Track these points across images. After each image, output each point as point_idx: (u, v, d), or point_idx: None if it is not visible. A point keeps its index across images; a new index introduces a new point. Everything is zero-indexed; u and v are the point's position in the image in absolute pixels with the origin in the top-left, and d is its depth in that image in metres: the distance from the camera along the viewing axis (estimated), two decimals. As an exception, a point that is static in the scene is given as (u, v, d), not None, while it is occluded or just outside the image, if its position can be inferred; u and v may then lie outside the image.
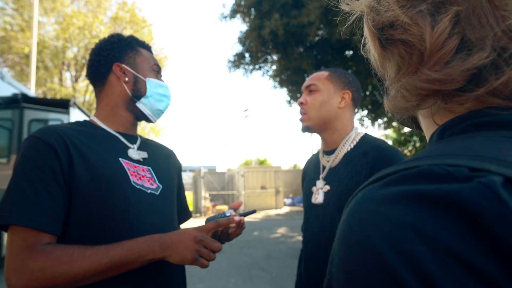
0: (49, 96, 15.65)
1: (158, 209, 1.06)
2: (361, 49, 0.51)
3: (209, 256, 0.93)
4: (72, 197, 0.91)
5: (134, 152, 1.09)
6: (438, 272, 0.25)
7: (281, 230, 10.57)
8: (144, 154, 1.12)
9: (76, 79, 17.77)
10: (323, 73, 1.34)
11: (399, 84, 0.40)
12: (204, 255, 0.92)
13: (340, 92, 1.31)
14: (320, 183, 1.30)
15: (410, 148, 13.50)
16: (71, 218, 0.91)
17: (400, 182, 0.31)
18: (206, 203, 15.39)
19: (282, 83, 13.32)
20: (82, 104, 14.84)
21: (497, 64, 0.34)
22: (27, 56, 14.24)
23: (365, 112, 13.10)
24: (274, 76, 13.39)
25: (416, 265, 0.26)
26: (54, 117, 6.47)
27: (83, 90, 17.90)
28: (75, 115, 6.75)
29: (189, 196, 16.70)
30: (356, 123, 1.33)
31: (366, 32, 0.44)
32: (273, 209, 16.76)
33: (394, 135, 14.71)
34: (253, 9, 11.43)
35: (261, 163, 30.80)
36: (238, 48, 14.67)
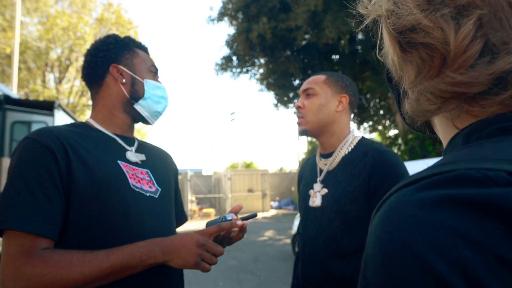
0: (31, 98, 15.30)
1: (157, 212, 1.04)
2: (377, 53, 0.51)
3: (211, 260, 0.92)
4: (70, 200, 0.89)
5: (132, 155, 1.07)
6: (487, 276, 0.25)
7: (269, 233, 10.57)
8: (142, 157, 1.11)
9: (59, 81, 17.45)
10: (321, 77, 1.35)
11: (422, 87, 0.40)
12: (206, 259, 0.91)
13: (337, 96, 1.32)
14: (317, 186, 1.30)
15: (396, 151, 13.71)
16: (69, 222, 0.89)
17: (437, 186, 0.31)
18: (192, 206, 15.29)
19: (269, 87, 13.37)
20: (66, 106, 14.55)
21: None
22: (9, 57, 13.91)
23: (351, 116, 13.24)
24: (261, 80, 13.44)
25: (464, 269, 0.26)
26: (38, 119, 6.31)
27: (67, 92, 17.59)
28: (60, 118, 6.60)
29: (175, 199, 16.50)
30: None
31: (385, 35, 0.44)
32: (260, 212, 16.75)
33: (379, 138, 14.92)
34: (240, 13, 11.45)
35: (248, 166, 30.79)
36: (226, 51, 14.69)
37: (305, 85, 1.35)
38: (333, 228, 1.20)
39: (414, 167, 4.04)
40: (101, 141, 1.03)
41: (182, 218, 1.27)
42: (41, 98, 15.46)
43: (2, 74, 15.62)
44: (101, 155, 0.98)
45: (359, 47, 11.41)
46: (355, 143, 1.29)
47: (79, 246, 0.87)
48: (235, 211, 1.06)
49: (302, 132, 1.34)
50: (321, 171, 1.33)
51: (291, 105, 14.34)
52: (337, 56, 12.61)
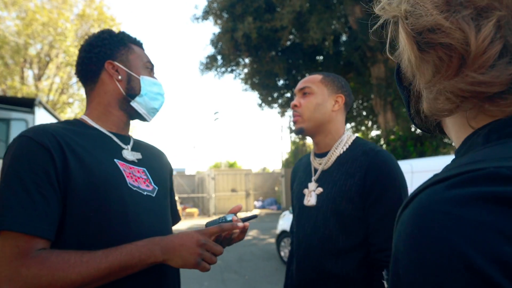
0: (9, 95, 14.85)
1: (155, 211, 1.03)
2: (387, 52, 0.52)
3: (211, 260, 0.91)
4: (67, 200, 0.87)
5: (128, 153, 1.06)
6: None
7: (252, 233, 10.58)
8: (138, 155, 1.09)
9: (39, 78, 17.00)
10: (317, 77, 1.36)
11: (441, 86, 0.41)
12: (206, 258, 0.90)
13: (333, 96, 1.33)
14: (312, 185, 1.31)
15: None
16: (66, 222, 0.87)
17: (469, 184, 0.32)
18: (175, 206, 15.13)
19: (253, 86, 13.39)
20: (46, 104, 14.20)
21: None
22: (-14, 52, 13.48)
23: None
24: (245, 79, 13.44)
25: (504, 264, 0.27)
26: (18, 117, 6.13)
27: (47, 89, 17.15)
28: (41, 115, 6.43)
29: (158, 199, 16.34)
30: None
31: (402, 35, 0.45)
32: (243, 212, 16.74)
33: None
34: (225, 12, 11.42)
35: (231, 166, 30.72)
36: (210, 50, 14.62)
37: (301, 84, 1.36)
38: (329, 227, 1.21)
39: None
40: (97, 139, 1.01)
41: (176, 217, 1.26)
42: (19, 95, 15.03)
43: (-22, 70, 15.12)
44: (97, 154, 0.96)
45: (343, 49, 11.55)
46: (350, 143, 1.31)
47: (76, 246, 0.85)
48: (235, 212, 1.05)
49: (298, 131, 1.34)
50: (315, 170, 1.34)
51: (275, 105, 14.40)
52: (321, 57, 12.74)
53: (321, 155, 1.35)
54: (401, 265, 0.33)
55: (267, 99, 13.88)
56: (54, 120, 7.39)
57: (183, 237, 0.91)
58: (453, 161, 0.45)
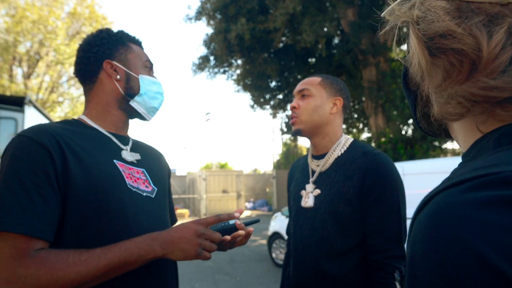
0: (-3, 93, 14.61)
1: (154, 212, 1.03)
2: (395, 55, 0.53)
3: (211, 248, 0.91)
4: (66, 200, 0.86)
5: (127, 154, 1.05)
6: None
7: (244, 234, 10.56)
8: (137, 156, 1.09)
9: (28, 76, 16.76)
10: (316, 79, 1.37)
11: (453, 91, 0.42)
12: (206, 247, 0.90)
13: (332, 98, 1.34)
14: (310, 187, 1.32)
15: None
16: (65, 223, 0.86)
17: (485, 187, 0.32)
18: (166, 207, 15.05)
19: (245, 88, 13.39)
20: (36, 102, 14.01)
21: None
22: (-26, 49, 13.26)
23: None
24: (238, 80, 13.43)
25: None
26: (7, 115, 6.02)
27: (36, 87, 16.92)
28: (31, 114, 6.33)
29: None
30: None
31: (413, 40, 0.45)
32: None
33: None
34: (218, 13, 11.41)
35: (222, 167, 30.68)
36: (203, 50, 14.59)
37: (300, 86, 1.37)
38: (326, 228, 1.22)
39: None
40: (96, 139, 1.00)
41: (173, 219, 1.26)
42: (7, 94, 14.80)
43: (-35, 67, 14.86)
44: (97, 154, 0.96)
45: (335, 51, 11.63)
46: (347, 145, 1.32)
47: (76, 246, 0.85)
48: (236, 216, 1.06)
49: (295, 132, 1.35)
50: (313, 172, 1.35)
51: (267, 106, 14.42)
52: (313, 60, 12.80)
53: (318, 157, 1.36)
54: (419, 267, 0.33)
55: (259, 101, 13.89)
56: (44, 119, 7.29)
57: (181, 230, 0.90)
58: (461, 164, 0.46)
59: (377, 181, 1.18)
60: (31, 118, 6.31)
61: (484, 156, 0.40)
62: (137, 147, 1.13)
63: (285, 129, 15.09)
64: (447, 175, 0.42)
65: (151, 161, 1.15)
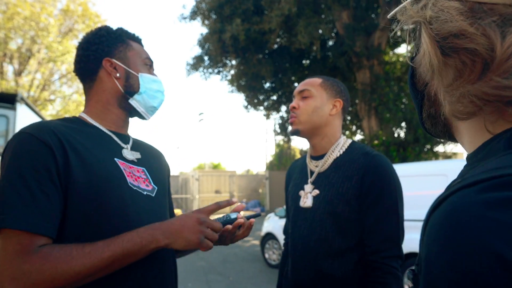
0: (-13, 90, 14.41)
1: (155, 211, 1.02)
2: (408, 60, 0.53)
3: (213, 236, 0.91)
4: (68, 198, 0.86)
5: (128, 153, 1.05)
6: None
7: (236, 235, 10.56)
8: (138, 155, 1.08)
9: (19, 73, 16.55)
10: (317, 80, 1.38)
11: (465, 90, 0.43)
12: (208, 236, 0.90)
13: (332, 100, 1.35)
14: (308, 187, 1.33)
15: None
16: (66, 220, 0.86)
17: (500, 188, 0.33)
18: (158, 207, 14.99)
19: (239, 88, 13.39)
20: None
21: None
22: (-36, 45, 13.07)
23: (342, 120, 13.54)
24: (232, 81, 13.42)
25: None
26: (-2, 113, 5.94)
27: (27, 85, 16.72)
28: (23, 112, 6.24)
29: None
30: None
31: (425, 40, 0.46)
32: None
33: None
34: (213, 13, 11.39)
35: (215, 167, 30.62)
36: (198, 50, 14.55)
37: (301, 86, 1.38)
38: (325, 228, 1.23)
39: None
40: (96, 137, 1.00)
41: (172, 217, 1.25)
42: (-2, 91, 14.61)
43: (-45, 63, 14.64)
44: (98, 152, 0.95)
45: (329, 53, 11.69)
46: (346, 146, 1.33)
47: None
48: (238, 210, 1.06)
49: (294, 132, 1.36)
50: (311, 172, 1.36)
51: (261, 107, 14.44)
52: (308, 61, 12.85)
53: (317, 157, 1.37)
54: (436, 265, 0.34)
55: (253, 101, 13.90)
56: (36, 117, 7.20)
57: (183, 218, 0.91)
58: (469, 166, 0.46)
59: (376, 182, 1.19)
60: (23, 115, 6.23)
61: (495, 158, 0.41)
62: (137, 146, 1.13)
63: (278, 130, 15.13)
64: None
65: (151, 160, 1.14)
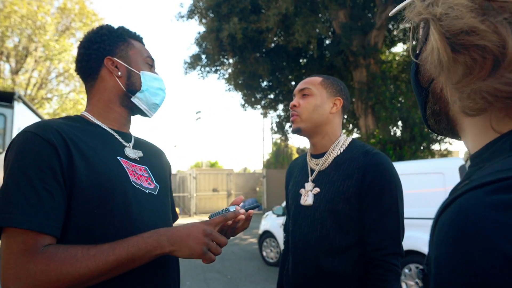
0: (-16, 88, 14.33)
1: (157, 209, 1.03)
2: (412, 57, 0.54)
3: (216, 250, 0.92)
4: (72, 197, 0.86)
5: (130, 151, 1.06)
6: None
7: (234, 233, 10.57)
8: (140, 153, 1.09)
9: (16, 71, 16.46)
10: (317, 79, 1.39)
11: (476, 86, 0.43)
12: (212, 249, 0.91)
13: (332, 98, 1.36)
14: (309, 185, 1.34)
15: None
16: (70, 219, 0.86)
17: (508, 190, 0.34)
18: (155, 205, 14.96)
19: (237, 87, 13.38)
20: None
21: None
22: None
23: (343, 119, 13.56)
24: (229, 80, 13.42)
25: None
26: (-5, 111, 5.92)
27: (24, 83, 16.63)
28: (20, 110, 6.22)
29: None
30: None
31: (434, 36, 0.46)
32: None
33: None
34: (211, 11, 11.38)
35: (212, 165, 30.59)
36: (195, 49, 14.52)
37: (301, 85, 1.39)
38: (326, 226, 1.24)
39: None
40: (99, 136, 1.01)
41: (174, 216, 1.27)
42: (-6, 89, 14.53)
43: (-50, 61, 14.54)
44: (100, 151, 0.96)
45: (326, 52, 11.71)
46: (346, 144, 1.34)
47: (80, 242, 0.85)
48: (236, 203, 1.07)
49: (295, 130, 1.37)
50: (312, 170, 1.37)
51: (258, 106, 14.44)
52: (305, 60, 12.86)
53: (317, 156, 1.38)
54: (445, 266, 0.34)
55: (250, 100, 13.90)
56: (33, 116, 7.18)
57: (189, 227, 0.91)
58: (475, 166, 0.47)
59: (376, 180, 1.20)
60: (21, 114, 6.22)
61: (501, 159, 0.41)
62: (139, 144, 1.14)
63: (275, 129, 15.14)
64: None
65: (153, 158, 1.15)
